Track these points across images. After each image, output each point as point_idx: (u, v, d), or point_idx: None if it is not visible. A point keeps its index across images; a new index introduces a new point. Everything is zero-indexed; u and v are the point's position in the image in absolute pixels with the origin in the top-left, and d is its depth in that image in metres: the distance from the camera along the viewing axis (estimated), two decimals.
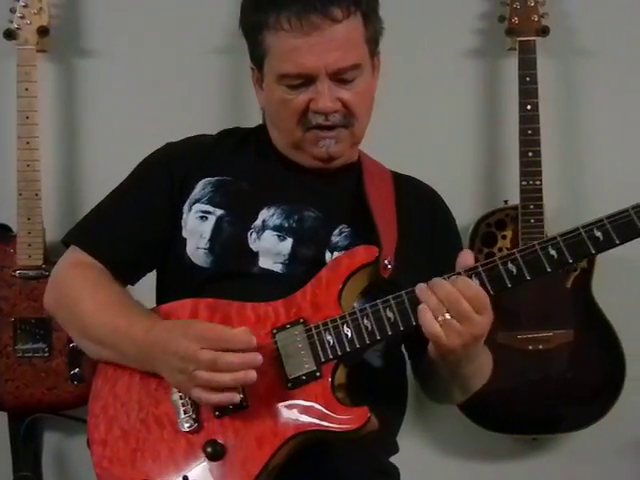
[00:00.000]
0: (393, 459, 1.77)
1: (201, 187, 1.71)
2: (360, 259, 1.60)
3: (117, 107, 2.53)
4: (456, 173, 2.56)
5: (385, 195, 1.74)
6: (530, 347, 2.43)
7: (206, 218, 1.69)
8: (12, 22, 2.40)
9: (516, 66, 2.38)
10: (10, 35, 2.39)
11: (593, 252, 1.48)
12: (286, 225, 1.68)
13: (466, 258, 1.52)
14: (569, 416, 2.50)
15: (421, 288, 1.49)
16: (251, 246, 1.68)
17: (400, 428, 1.78)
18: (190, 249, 1.69)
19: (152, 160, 1.79)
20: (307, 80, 1.63)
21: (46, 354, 2.40)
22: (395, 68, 2.45)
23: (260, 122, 1.84)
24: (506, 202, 2.47)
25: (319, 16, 1.59)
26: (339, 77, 1.63)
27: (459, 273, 1.50)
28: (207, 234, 1.68)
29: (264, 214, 1.69)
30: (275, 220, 1.68)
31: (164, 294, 1.75)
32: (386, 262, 1.62)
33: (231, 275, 1.66)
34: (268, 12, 1.62)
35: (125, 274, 1.72)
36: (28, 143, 2.39)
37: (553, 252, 1.47)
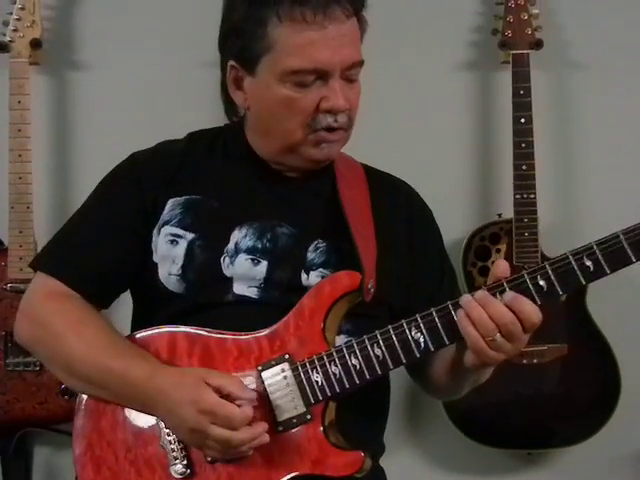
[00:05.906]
0: (382, 460, 1.73)
1: (170, 207, 1.64)
2: (343, 287, 1.55)
3: (109, 120, 2.52)
4: (450, 186, 2.55)
5: (360, 199, 1.69)
6: (524, 361, 2.41)
7: (177, 242, 1.63)
8: (5, 35, 2.39)
9: (510, 79, 2.38)
10: (3, 48, 2.38)
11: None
12: (259, 246, 1.63)
13: (503, 268, 1.45)
14: (564, 430, 2.48)
15: (469, 303, 1.43)
16: (225, 272, 1.62)
17: (385, 427, 1.74)
18: (162, 275, 1.63)
19: (120, 175, 1.71)
20: (319, 76, 1.55)
21: (37, 368, 2.37)
22: (388, 81, 2.46)
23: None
24: (500, 215, 2.46)
25: (339, 9, 1.54)
26: (347, 75, 1.58)
27: (498, 285, 1.43)
28: (179, 260, 1.62)
29: (236, 236, 1.63)
30: (248, 242, 1.63)
31: (139, 319, 1.70)
32: (369, 286, 1.58)
33: (206, 303, 1.60)
34: (283, 3, 1.53)
35: (99, 299, 1.66)
36: (20, 156, 2.38)
37: (589, 262, 1.42)
